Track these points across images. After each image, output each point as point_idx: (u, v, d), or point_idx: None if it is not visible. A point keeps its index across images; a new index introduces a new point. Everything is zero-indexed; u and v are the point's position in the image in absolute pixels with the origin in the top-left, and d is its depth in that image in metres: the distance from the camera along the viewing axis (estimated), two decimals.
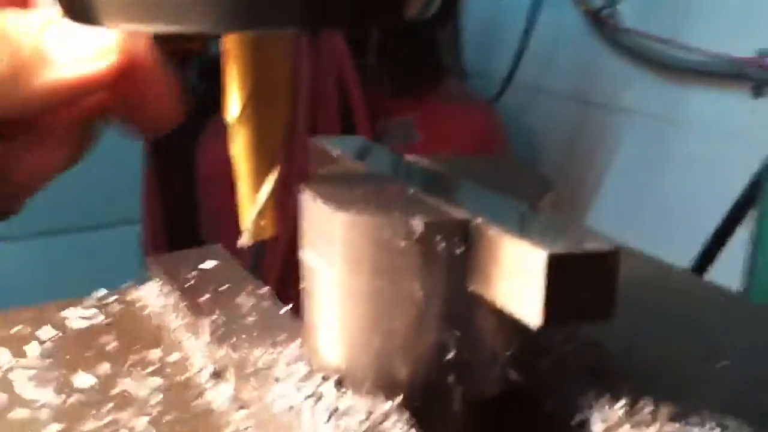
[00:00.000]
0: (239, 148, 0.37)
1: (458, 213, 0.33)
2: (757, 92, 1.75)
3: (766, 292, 0.66)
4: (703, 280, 0.51)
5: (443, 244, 0.32)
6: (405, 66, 1.84)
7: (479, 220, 0.32)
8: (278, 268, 1.43)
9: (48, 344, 0.43)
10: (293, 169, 1.55)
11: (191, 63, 1.85)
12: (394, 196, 0.35)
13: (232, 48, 0.36)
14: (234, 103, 0.36)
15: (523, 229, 0.30)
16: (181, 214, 1.82)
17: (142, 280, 0.50)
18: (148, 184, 1.83)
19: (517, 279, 0.29)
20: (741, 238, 0.97)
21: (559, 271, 0.28)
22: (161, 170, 1.83)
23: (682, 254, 1.16)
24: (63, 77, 0.39)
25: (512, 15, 2.10)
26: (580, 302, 0.28)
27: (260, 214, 0.37)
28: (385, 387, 0.34)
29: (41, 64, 0.39)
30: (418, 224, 0.32)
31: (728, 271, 0.84)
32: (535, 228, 0.30)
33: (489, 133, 1.93)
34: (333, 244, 0.34)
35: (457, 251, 0.32)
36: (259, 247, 1.38)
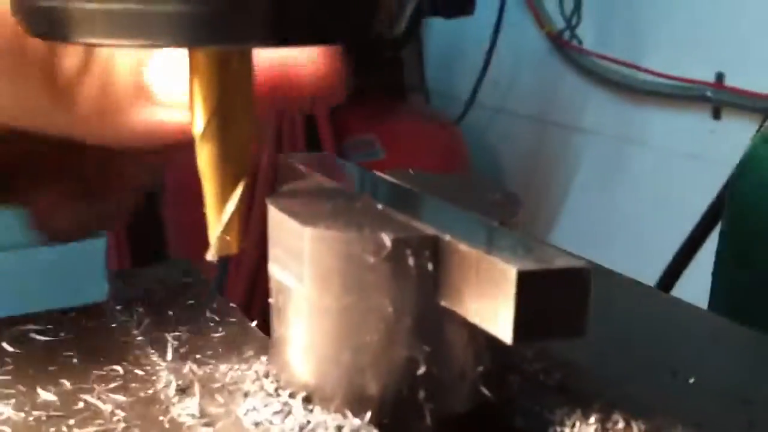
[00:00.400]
0: (204, 164, 0.37)
1: (427, 228, 0.33)
2: (716, 114, 1.77)
3: (730, 311, 0.66)
4: (669, 296, 0.51)
5: (412, 260, 0.32)
6: (368, 85, 1.84)
7: (448, 235, 0.32)
8: (245, 283, 1.43)
9: (9, 359, 0.42)
10: (261, 184, 1.54)
11: None
12: (363, 211, 0.35)
13: (195, 63, 0.36)
14: (198, 118, 0.36)
15: (493, 245, 0.30)
16: (147, 227, 1.81)
17: (106, 294, 0.50)
18: None
19: (489, 296, 0.29)
20: (704, 259, 0.98)
21: (529, 288, 0.28)
22: None
23: (643, 273, 1.17)
24: (163, 121, 0.38)
25: (475, 36, 2.11)
26: (553, 319, 0.28)
27: (226, 229, 0.37)
28: (355, 403, 0.34)
29: (139, 103, 0.38)
30: (387, 239, 0.32)
31: (692, 291, 0.85)
32: (505, 245, 0.30)
33: (452, 152, 1.94)
34: (301, 260, 0.33)
35: (427, 267, 0.32)
36: (224, 261, 1.37)
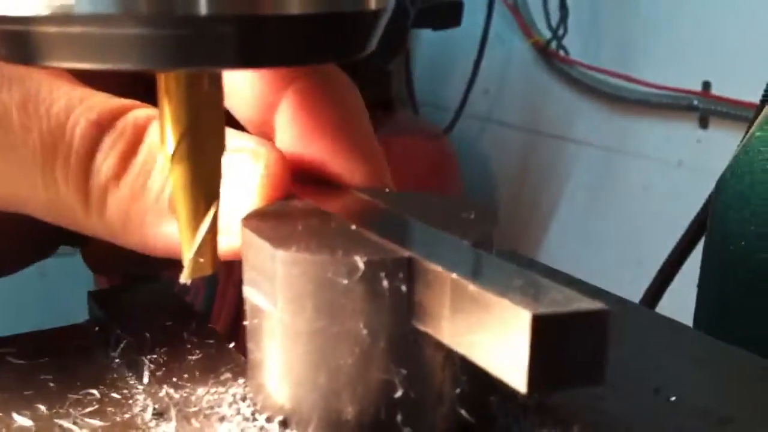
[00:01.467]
0: (176, 186, 0.37)
1: (401, 250, 0.32)
2: (703, 123, 1.78)
3: (714, 322, 0.66)
4: (653, 312, 0.51)
5: (386, 282, 0.32)
6: None
7: (424, 259, 0.31)
8: (233, 303, 1.42)
9: None
10: None
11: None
12: (337, 232, 0.35)
13: (165, 84, 0.36)
14: (169, 140, 0.36)
15: (483, 276, 0.29)
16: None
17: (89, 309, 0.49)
18: None
19: (494, 337, 0.28)
20: (692, 268, 0.98)
21: (545, 334, 0.26)
22: None
23: (633, 281, 1.16)
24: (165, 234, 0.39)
25: (462, 47, 2.12)
26: (571, 366, 0.27)
27: (199, 251, 0.37)
28: (332, 427, 0.33)
29: (166, 218, 0.38)
30: (359, 262, 0.32)
31: (680, 299, 0.85)
32: (497, 276, 0.29)
33: (441, 163, 1.94)
34: (273, 283, 0.33)
35: (401, 289, 0.32)
36: (213, 281, 1.37)
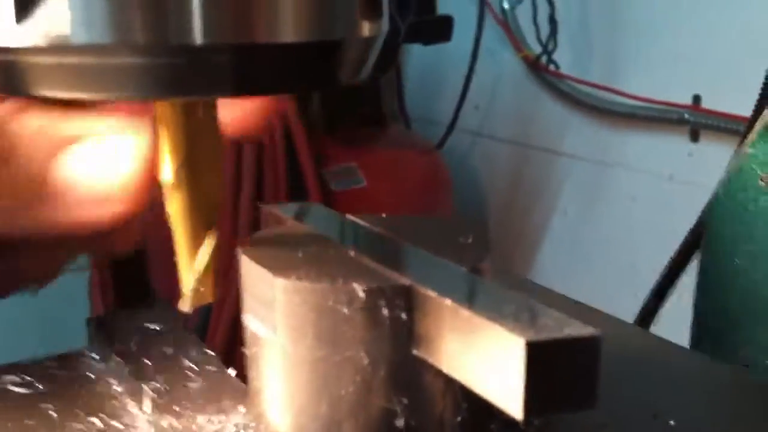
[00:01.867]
0: (175, 213, 0.37)
1: (400, 277, 0.33)
2: (694, 136, 1.79)
3: (711, 341, 0.66)
4: (649, 333, 0.51)
5: (386, 310, 0.32)
6: (348, 113, 1.85)
7: (423, 286, 0.32)
8: (227, 327, 1.42)
9: None
10: (243, 224, 1.54)
11: None
12: (336, 260, 0.35)
13: (162, 113, 0.36)
14: (167, 168, 0.36)
15: (478, 302, 0.30)
16: (128, 256, 1.80)
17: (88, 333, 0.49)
18: None
19: (489, 363, 0.28)
20: (686, 283, 0.98)
21: (539, 360, 0.26)
22: None
23: (624, 294, 1.17)
24: (61, 218, 0.37)
25: (453, 62, 2.12)
26: (563, 390, 0.27)
27: (199, 279, 0.37)
28: None
29: (39, 201, 0.37)
30: (359, 290, 0.32)
31: (675, 315, 0.85)
32: (492, 302, 0.30)
33: (433, 177, 1.95)
34: (273, 311, 0.33)
35: (401, 316, 0.32)
36: (205, 308, 1.36)
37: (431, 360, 0.32)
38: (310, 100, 1.77)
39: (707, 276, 0.68)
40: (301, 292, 0.32)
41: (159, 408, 0.39)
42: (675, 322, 0.75)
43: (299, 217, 0.41)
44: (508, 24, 2.06)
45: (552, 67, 1.98)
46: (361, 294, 0.32)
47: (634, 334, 0.49)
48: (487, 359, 0.28)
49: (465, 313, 0.29)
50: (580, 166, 2.00)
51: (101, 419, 0.40)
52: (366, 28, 0.34)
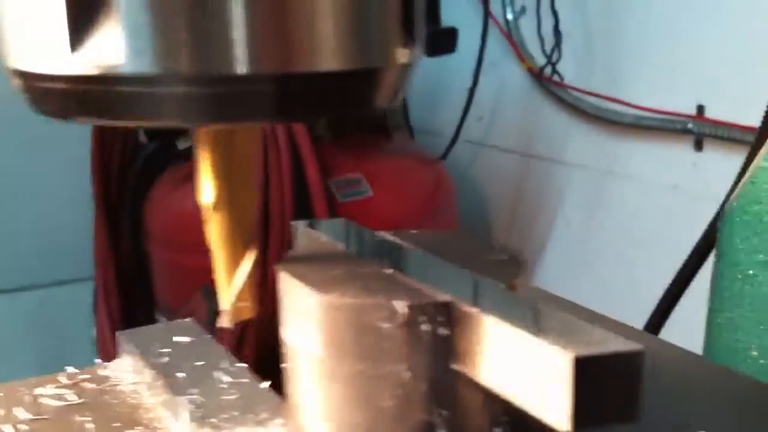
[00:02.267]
0: (215, 234, 0.38)
1: (439, 294, 0.34)
2: (698, 145, 1.79)
3: (725, 351, 0.67)
4: (664, 341, 0.52)
5: (427, 326, 0.33)
6: (353, 124, 1.86)
7: (464, 303, 0.32)
8: (254, 342, 1.43)
9: (24, 426, 0.42)
10: (271, 248, 1.54)
11: None
12: (373, 276, 0.36)
13: (204, 137, 0.37)
14: (208, 190, 0.37)
15: (521, 318, 0.30)
16: (133, 270, 1.81)
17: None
18: (98, 241, 1.82)
19: (535, 378, 0.29)
20: (696, 292, 0.99)
21: (585, 374, 0.27)
22: (111, 227, 1.82)
23: (628, 303, 1.18)
24: None
25: (457, 74, 2.13)
26: (607, 403, 0.28)
27: (238, 296, 0.38)
28: None
29: None
30: (401, 307, 0.33)
31: (684, 323, 0.86)
32: (534, 318, 0.31)
33: (437, 187, 1.95)
34: (314, 327, 0.34)
35: (441, 332, 0.33)
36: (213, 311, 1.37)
37: (471, 375, 0.33)
38: None
39: (720, 286, 0.69)
40: (343, 308, 0.33)
41: (197, 421, 0.40)
42: (684, 330, 0.76)
43: (330, 233, 0.42)
44: (511, 35, 2.07)
45: (556, 77, 1.99)
46: (403, 310, 0.33)
47: (650, 343, 0.50)
48: (532, 374, 0.29)
49: (509, 329, 0.30)
50: (584, 176, 2.01)
51: (138, 431, 0.41)
52: (403, 55, 0.35)
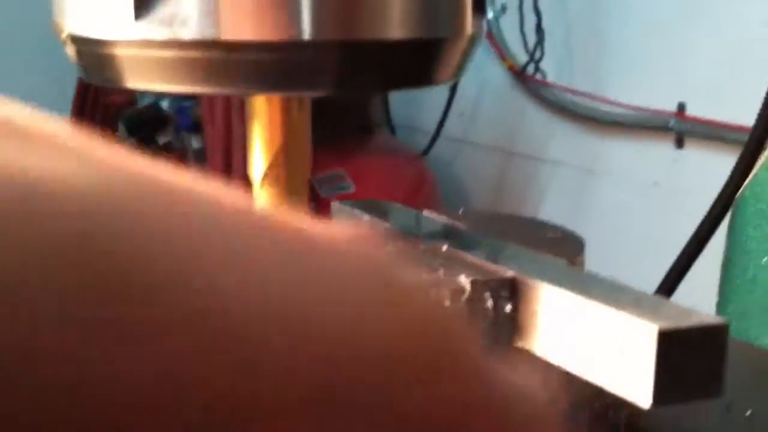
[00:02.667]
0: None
1: (501, 270, 0.33)
2: (679, 143, 1.80)
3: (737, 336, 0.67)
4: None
5: (491, 302, 0.32)
6: (336, 121, 1.85)
7: (529, 278, 0.32)
8: None
9: None
10: None
11: (119, 116, 1.83)
12: (430, 254, 0.35)
13: (257, 110, 0.36)
14: (258, 164, 0.36)
15: (594, 292, 0.30)
16: None
17: None
18: None
19: (619, 354, 0.28)
20: (691, 287, 0.99)
21: (670, 348, 0.26)
22: None
23: None
24: None
25: None
26: (690, 379, 0.27)
27: None
28: None
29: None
30: (465, 283, 0.32)
31: None
32: (606, 292, 0.30)
33: (419, 183, 1.95)
34: None
35: (505, 308, 0.32)
36: None
37: (537, 351, 0.32)
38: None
39: (731, 275, 0.69)
40: None
41: None
42: None
43: (374, 214, 0.41)
44: (492, 34, 2.07)
45: (539, 75, 1.99)
46: (467, 286, 0.32)
47: None
48: (612, 348, 0.28)
49: (586, 302, 0.29)
50: (565, 174, 2.01)
51: None
52: (471, 26, 0.34)
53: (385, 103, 2.08)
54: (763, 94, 0.84)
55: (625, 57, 1.84)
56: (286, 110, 0.35)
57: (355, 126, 1.92)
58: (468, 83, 2.09)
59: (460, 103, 2.10)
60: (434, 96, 2.14)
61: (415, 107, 2.25)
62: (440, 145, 2.11)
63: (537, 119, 2.03)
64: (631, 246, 1.85)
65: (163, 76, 0.32)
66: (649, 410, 0.38)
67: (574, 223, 1.96)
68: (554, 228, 0.39)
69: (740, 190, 0.69)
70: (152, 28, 0.30)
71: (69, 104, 1.92)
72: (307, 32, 0.31)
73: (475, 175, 2.21)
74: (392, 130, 2.13)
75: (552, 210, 2.06)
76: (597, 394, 0.38)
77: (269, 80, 0.32)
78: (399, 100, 2.19)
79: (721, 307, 0.70)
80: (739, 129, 1.65)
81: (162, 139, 1.80)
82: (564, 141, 1.99)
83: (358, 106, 1.92)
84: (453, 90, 2.05)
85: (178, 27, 0.30)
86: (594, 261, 1.82)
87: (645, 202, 1.85)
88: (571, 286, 0.31)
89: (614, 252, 1.90)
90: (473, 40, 0.35)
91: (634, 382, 0.28)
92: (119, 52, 0.31)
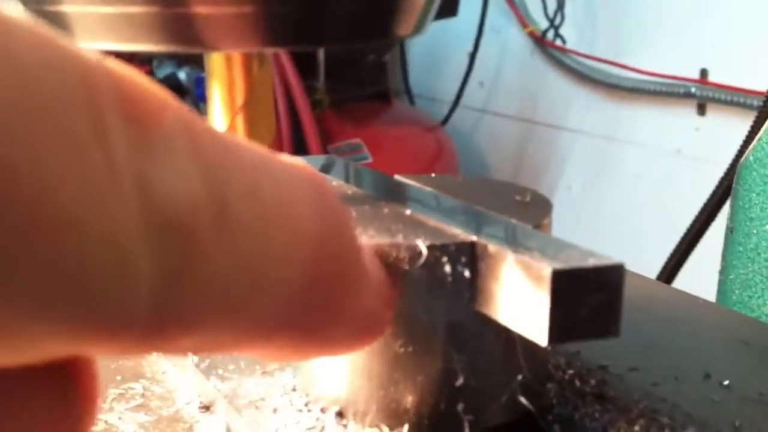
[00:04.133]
0: None
1: (461, 234, 0.32)
2: (701, 110, 1.78)
3: (737, 308, 0.66)
4: (682, 292, 0.50)
5: (449, 267, 0.31)
6: (353, 89, 1.84)
7: (483, 239, 0.31)
8: None
9: None
10: None
11: None
12: (391, 217, 0.34)
13: (216, 67, 0.35)
14: (219, 121, 0.35)
15: (526, 246, 0.29)
16: None
17: None
18: None
19: (522, 297, 0.28)
20: (702, 258, 0.98)
21: (564, 287, 0.27)
22: None
23: (632, 269, 1.16)
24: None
25: (458, 39, 2.11)
26: (587, 319, 0.27)
27: None
28: (390, 417, 0.32)
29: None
30: (422, 247, 0.31)
31: (694, 282, 0.85)
32: (534, 245, 0.29)
33: (438, 153, 1.94)
34: None
35: (464, 273, 0.31)
36: None
37: (493, 317, 0.31)
38: (314, 74, 1.76)
39: (734, 242, 0.67)
40: None
41: (201, 371, 0.38)
42: (693, 289, 0.74)
43: (342, 176, 0.40)
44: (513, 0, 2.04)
45: (558, 42, 1.97)
46: (424, 250, 0.31)
47: (675, 295, 0.48)
48: (517, 291, 0.28)
49: (504, 252, 0.28)
50: (586, 142, 1.99)
51: (142, 384, 0.40)
52: None
53: (404, 72, 2.07)
54: None
55: (646, 23, 1.81)
56: (246, 67, 0.34)
57: (373, 95, 1.90)
58: (488, 51, 2.07)
59: (479, 71, 2.08)
60: (453, 64, 2.12)
61: (434, 76, 2.23)
62: (459, 114, 2.09)
63: (557, 87, 2.01)
64: (651, 214, 1.83)
65: (111, 33, 0.31)
66: (619, 379, 0.37)
67: (595, 192, 1.97)
68: (523, 191, 0.38)
69: (743, 156, 0.67)
70: None
71: None
72: None
73: (495, 144, 2.19)
74: (411, 99, 2.11)
75: (572, 178, 2.04)
76: (561, 364, 0.37)
77: (227, 37, 0.31)
78: (418, 69, 2.18)
79: (723, 275, 0.68)
80: (764, 95, 1.62)
81: None
82: (584, 109, 1.97)
83: (376, 75, 1.90)
84: (472, 58, 2.03)
85: None
86: (613, 229, 1.82)
87: (666, 170, 1.83)
88: (525, 249, 0.30)
89: (635, 220, 1.88)
90: None
91: (533, 321, 0.28)
92: (66, 8, 0.31)
